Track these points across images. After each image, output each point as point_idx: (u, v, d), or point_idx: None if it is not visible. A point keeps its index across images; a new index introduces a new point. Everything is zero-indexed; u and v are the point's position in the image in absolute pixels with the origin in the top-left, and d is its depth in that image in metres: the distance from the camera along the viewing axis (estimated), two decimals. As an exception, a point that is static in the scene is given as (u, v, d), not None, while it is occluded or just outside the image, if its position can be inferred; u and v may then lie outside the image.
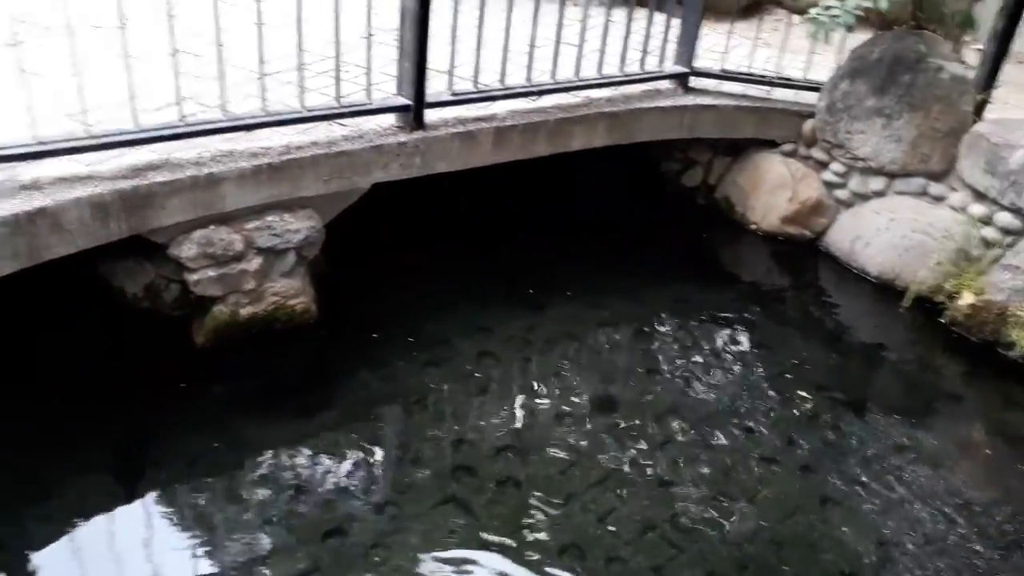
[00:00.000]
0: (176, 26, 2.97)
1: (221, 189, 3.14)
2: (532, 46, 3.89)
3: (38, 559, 2.47)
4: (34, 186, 2.84)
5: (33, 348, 3.25)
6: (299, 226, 3.36)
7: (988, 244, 4.07)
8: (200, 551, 2.54)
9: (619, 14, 4.53)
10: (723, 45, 4.74)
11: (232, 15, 4.33)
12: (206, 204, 3.13)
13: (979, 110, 4.27)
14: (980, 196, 4.13)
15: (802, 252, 4.69)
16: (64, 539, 2.54)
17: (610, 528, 2.74)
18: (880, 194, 4.49)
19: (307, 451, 2.97)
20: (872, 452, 3.24)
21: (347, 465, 2.92)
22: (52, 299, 3.36)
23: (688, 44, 4.52)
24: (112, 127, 3.03)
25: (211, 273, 3.22)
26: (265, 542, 2.58)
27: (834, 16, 4.07)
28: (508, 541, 2.65)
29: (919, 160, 4.32)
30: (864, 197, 4.55)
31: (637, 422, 3.26)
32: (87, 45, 3.85)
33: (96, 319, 3.39)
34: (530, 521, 2.74)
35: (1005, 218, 4.02)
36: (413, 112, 3.59)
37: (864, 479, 3.09)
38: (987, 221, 4.09)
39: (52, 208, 2.77)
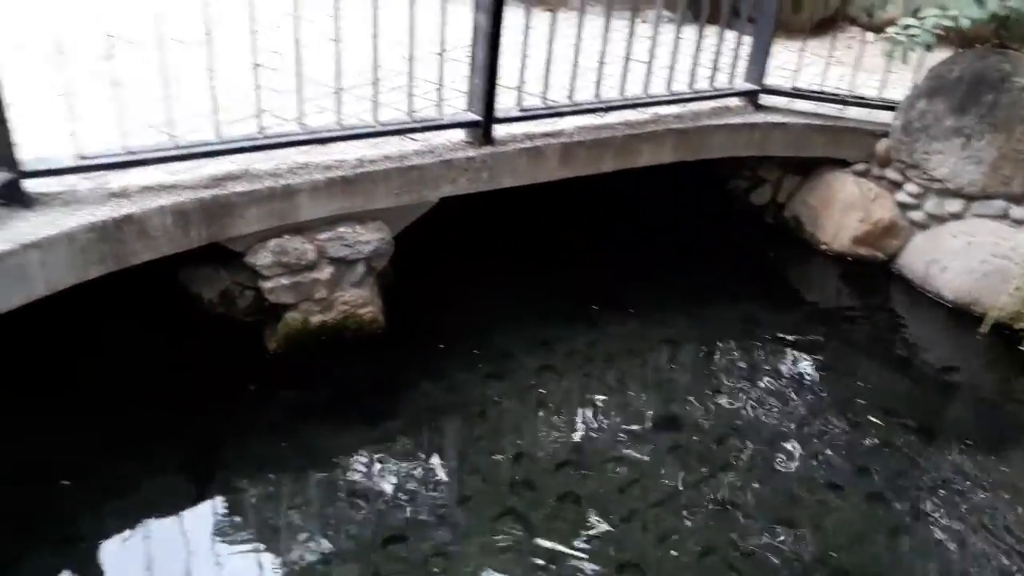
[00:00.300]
0: (256, 42, 3.09)
1: (296, 200, 3.24)
2: (601, 63, 3.90)
3: (112, 552, 2.58)
4: (122, 194, 2.98)
5: (115, 351, 3.39)
6: (369, 237, 3.44)
7: (1073, 270, 3.90)
8: (264, 553, 2.61)
9: (689, 31, 4.51)
10: (795, 63, 4.68)
11: (310, 32, 4.48)
12: (282, 214, 3.23)
13: (1065, 131, 4.11)
14: (1065, 220, 3.98)
15: (874, 274, 4.58)
16: (136, 534, 2.65)
17: (670, 549, 2.72)
18: (957, 216, 4.36)
19: (370, 458, 3.02)
20: (944, 482, 3.13)
21: (409, 474, 2.97)
22: (133, 304, 3.51)
23: (759, 61, 4.47)
24: (195, 138, 3.16)
25: (284, 281, 3.32)
26: (327, 546, 2.64)
27: (913, 36, 3.98)
28: (566, 557, 2.65)
29: (1000, 182, 4.18)
30: (940, 219, 4.42)
31: (699, 442, 3.22)
32: (172, 59, 4.03)
33: (173, 324, 3.52)
34: (589, 538, 2.73)
35: (1092, 244, 3.86)
36: (482, 128, 3.64)
37: (934, 510, 2.99)
38: (1072, 246, 3.93)
39: (139, 215, 2.90)
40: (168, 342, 3.46)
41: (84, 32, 4.33)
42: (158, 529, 2.68)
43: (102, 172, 3.01)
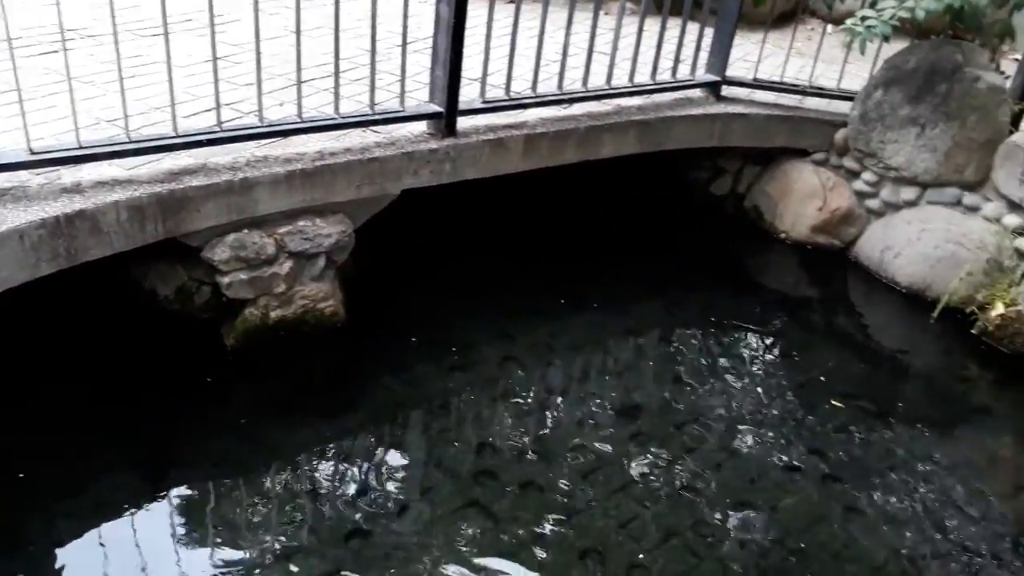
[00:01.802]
0: (216, 34, 3.05)
1: (255, 194, 3.21)
2: (564, 54, 3.92)
3: (63, 555, 2.54)
4: (75, 189, 2.93)
5: (66, 348, 3.35)
6: (330, 231, 3.42)
7: (1022, 255, 4.00)
8: (223, 551, 2.59)
9: (652, 23, 4.54)
10: (756, 54, 4.73)
11: (271, 24, 4.44)
12: (240, 208, 3.21)
13: (1016, 120, 4.22)
14: (1015, 207, 4.07)
15: (831, 262, 4.66)
16: (89, 536, 2.61)
17: (632, 534, 2.75)
18: (912, 204, 4.45)
19: (331, 453, 3.02)
20: (898, 463, 3.20)
21: (371, 467, 2.97)
22: (85, 301, 3.46)
23: (721, 53, 4.51)
24: (152, 132, 3.12)
25: (243, 276, 3.29)
26: (288, 542, 2.63)
27: (870, 27, 4.04)
28: (529, 545, 2.68)
29: (953, 170, 4.27)
30: (896, 207, 4.51)
31: (661, 429, 3.26)
32: (129, 52, 3.98)
33: (128, 321, 3.48)
34: (551, 525, 2.76)
35: (1040, 230, 3.96)
36: (445, 119, 3.64)
37: (889, 490, 3.06)
38: (1022, 232, 4.03)
39: (91, 211, 2.85)
40: (123, 340, 3.41)
41: (37, 23, 4.26)
42: (111, 530, 2.64)
43: (54, 167, 2.96)
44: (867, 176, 4.58)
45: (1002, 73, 4.30)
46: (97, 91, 3.59)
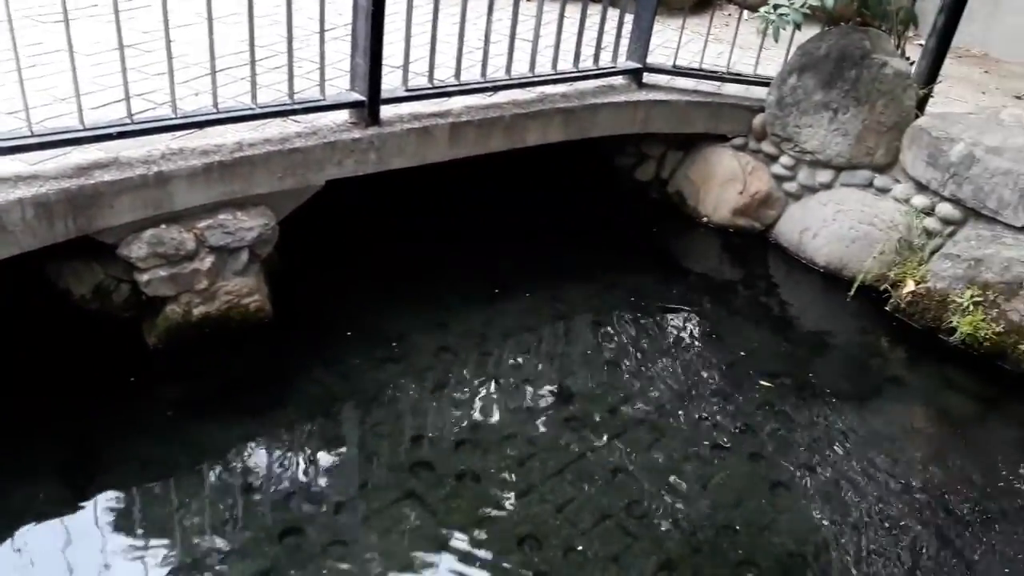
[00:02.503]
0: (124, 21, 2.92)
1: (171, 187, 3.10)
2: (487, 41, 3.90)
3: (-14, 566, 2.43)
4: (-25, 186, 2.77)
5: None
6: (252, 224, 3.33)
7: (930, 234, 4.20)
8: (155, 555, 2.51)
9: (573, 10, 4.56)
10: (675, 40, 4.81)
11: (182, 11, 4.28)
12: (156, 203, 3.09)
13: (922, 104, 4.40)
14: (922, 188, 4.26)
15: (752, 244, 4.80)
16: (7, 547, 2.49)
17: (568, 518, 2.79)
18: (827, 186, 4.61)
19: (262, 451, 2.96)
20: (819, 436, 3.33)
21: (303, 464, 2.92)
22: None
23: (641, 40, 4.57)
24: (57, 125, 2.97)
25: (162, 273, 3.18)
26: (221, 543, 2.57)
27: (783, 15, 4.16)
28: (467, 534, 2.68)
29: (864, 153, 4.44)
30: (812, 189, 4.66)
31: (593, 413, 3.31)
32: (31, 40, 3.77)
33: (42, 322, 3.32)
34: (488, 514, 2.77)
35: (946, 209, 4.15)
36: (368, 108, 3.58)
37: (812, 463, 3.18)
38: (929, 212, 4.23)
39: (-5, 208, 2.71)
40: (39, 341, 3.26)
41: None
42: (34, 539, 2.52)
43: (-49, 163, 2.79)
44: (784, 160, 4.72)
45: (907, 59, 4.49)
46: (-4, 81, 3.40)
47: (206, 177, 3.18)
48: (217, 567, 2.48)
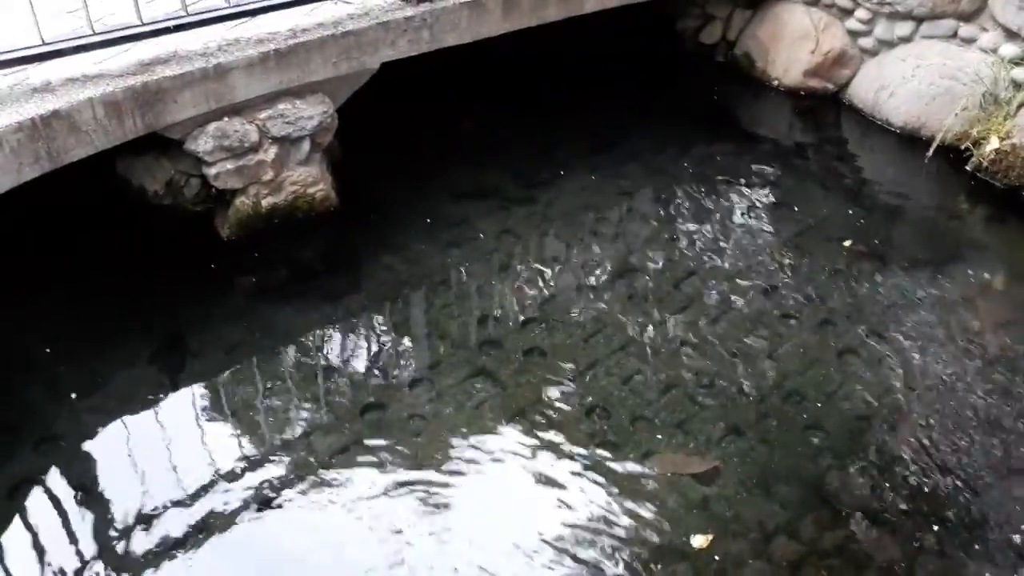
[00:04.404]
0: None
1: (231, 79, 3.12)
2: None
3: (94, 449, 2.64)
4: (46, 89, 2.85)
5: (66, 252, 3.35)
6: (311, 112, 3.35)
7: (1018, 86, 3.92)
8: (244, 434, 2.70)
9: None
10: None
11: None
12: (217, 96, 3.13)
13: (1015, -60, 4.02)
14: (1012, 35, 3.95)
15: (825, 107, 4.58)
16: (116, 430, 2.71)
17: (634, 390, 2.85)
18: (907, 40, 4.32)
19: (338, 334, 3.08)
20: (892, 303, 3.27)
21: (377, 345, 3.05)
22: (75, 202, 3.43)
23: None
24: (115, 22, 2.99)
25: (229, 166, 3.25)
26: (306, 421, 2.74)
27: None
28: (536, 407, 2.78)
29: (949, 0, 4.11)
30: (890, 44, 4.38)
31: (658, 288, 3.32)
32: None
33: (122, 219, 3.46)
34: (556, 387, 2.86)
35: (1038, 57, 3.86)
36: (417, -16, 3.48)
37: (882, 330, 3.14)
38: (1019, 62, 3.93)
39: (66, 109, 2.79)
40: (120, 239, 3.42)
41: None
42: (137, 423, 2.74)
43: (20, 67, 2.86)
44: (860, 14, 4.42)
45: None
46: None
47: (263, 66, 3.18)
48: (305, 442, 2.65)
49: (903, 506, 2.45)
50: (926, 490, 2.50)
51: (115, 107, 2.89)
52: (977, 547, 2.34)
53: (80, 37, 2.90)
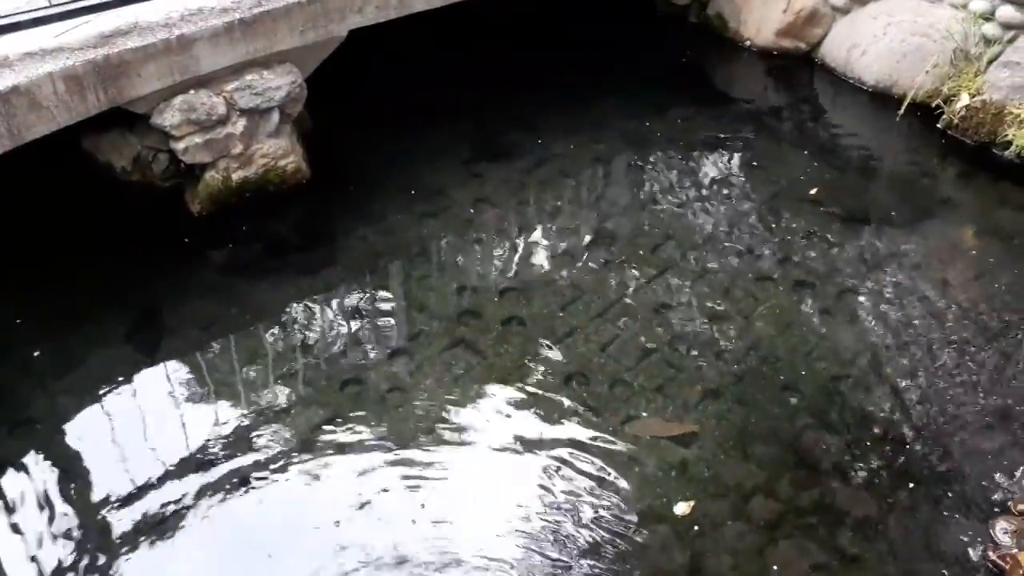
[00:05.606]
0: None
1: (195, 50, 3.05)
2: None
3: (71, 429, 2.62)
4: (3, 63, 2.77)
5: (34, 232, 3.29)
6: (279, 82, 3.29)
7: (988, 42, 3.94)
8: (224, 410, 2.69)
9: None
10: None
11: None
12: (182, 68, 3.06)
13: None
14: (982, -9, 3.96)
15: (797, 67, 4.58)
16: (92, 410, 2.69)
17: (612, 355, 2.87)
18: (878, -3, 4.30)
19: (315, 307, 3.06)
20: (866, 261, 3.30)
21: (356, 318, 3.03)
22: (40, 181, 3.36)
23: None
24: (71, -7, 2.91)
25: (197, 139, 3.19)
26: (286, 396, 2.72)
27: None
28: (516, 375, 2.79)
29: (920, -44, 4.10)
30: (861, 2, 4.37)
31: (634, 253, 3.32)
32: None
33: (89, 198, 3.40)
34: (536, 355, 2.87)
35: (1007, 12, 3.87)
36: (383, -51, 3.40)
37: (857, 288, 3.18)
38: (989, 16, 3.95)
39: (26, 85, 2.71)
40: (88, 217, 3.35)
41: None
42: (114, 402, 2.72)
43: (-26, 42, 2.77)
44: (832, -29, 4.40)
45: None
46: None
47: (228, 36, 3.11)
48: (285, 417, 2.65)
49: (877, 463, 2.50)
50: (900, 447, 2.55)
51: (76, 81, 2.81)
52: (950, 501, 2.39)
53: (37, 9, 2.81)
